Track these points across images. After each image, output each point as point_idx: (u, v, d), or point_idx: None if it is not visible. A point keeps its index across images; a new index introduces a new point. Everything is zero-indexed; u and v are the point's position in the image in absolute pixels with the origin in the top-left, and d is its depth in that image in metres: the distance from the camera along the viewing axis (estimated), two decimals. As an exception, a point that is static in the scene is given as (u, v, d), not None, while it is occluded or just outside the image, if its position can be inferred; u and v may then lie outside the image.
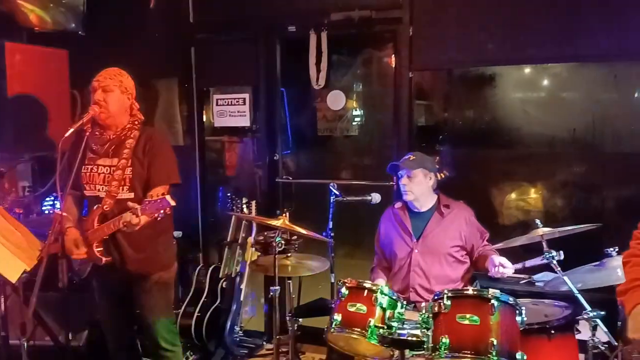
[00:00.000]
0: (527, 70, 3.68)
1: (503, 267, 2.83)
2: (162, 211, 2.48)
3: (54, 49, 3.69)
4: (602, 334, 2.52)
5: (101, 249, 2.78)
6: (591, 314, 2.45)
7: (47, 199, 4.01)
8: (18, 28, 3.68)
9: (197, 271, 4.16)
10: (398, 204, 3.28)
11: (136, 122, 2.88)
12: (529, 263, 2.78)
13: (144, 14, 4.46)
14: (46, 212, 3.97)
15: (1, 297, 2.87)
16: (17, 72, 3.40)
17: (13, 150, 3.53)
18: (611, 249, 2.66)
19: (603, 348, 2.49)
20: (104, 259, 2.77)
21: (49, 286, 3.32)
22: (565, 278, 2.49)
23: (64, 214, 2.68)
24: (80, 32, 3.93)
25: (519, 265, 2.81)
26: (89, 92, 2.83)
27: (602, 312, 2.46)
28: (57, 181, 2.67)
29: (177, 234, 3.96)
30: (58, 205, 2.67)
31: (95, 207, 2.79)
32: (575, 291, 2.47)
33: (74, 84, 3.81)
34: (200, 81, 4.50)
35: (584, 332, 2.65)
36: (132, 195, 2.78)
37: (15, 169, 4.05)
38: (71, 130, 2.68)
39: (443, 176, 3.29)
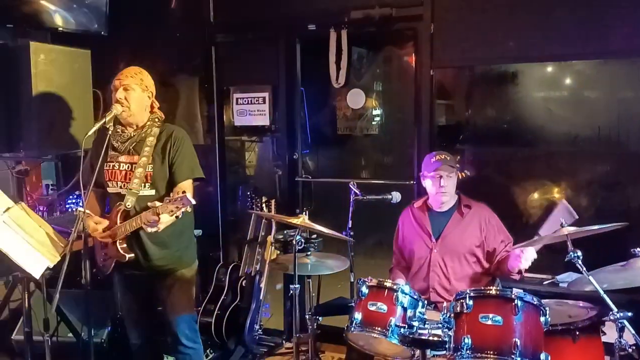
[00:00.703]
0: (551, 67, 3.62)
1: (523, 252, 2.78)
2: (182, 210, 2.49)
3: (78, 49, 3.73)
4: (630, 336, 2.46)
5: (125, 245, 2.80)
6: (618, 315, 2.39)
7: (70, 196, 4.07)
8: (43, 28, 3.74)
9: (217, 269, 4.18)
10: (417, 203, 3.25)
11: (156, 120, 2.91)
12: (543, 231, 2.73)
13: (165, 14, 4.51)
14: (69, 209, 4.02)
15: (25, 293, 2.92)
16: (42, 71, 3.45)
17: (37, 149, 3.58)
18: (638, 249, 2.59)
19: (630, 350, 2.43)
20: (127, 255, 2.79)
21: (72, 283, 3.39)
22: (591, 278, 2.44)
23: (87, 211, 2.71)
24: (103, 33, 3.97)
25: (536, 239, 2.74)
26: (111, 90, 2.86)
27: (630, 313, 2.40)
28: (80, 179, 2.71)
29: (198, 232, 3.97)
30: (81, 203, 2.70)
31: (117, 205, 2.82)
32: (601, 291, 2.42)
33: (97, 83, 3.85)
34: (220, 80, 4.52)
35: (609, 333, 2.59)
36: (153, 192, 2.81)
37: (40, 167, 4.12)
38: (94, 128, 2.72)
39: (464, 176, 3.25)
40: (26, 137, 3.48)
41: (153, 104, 2.93)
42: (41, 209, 3.82)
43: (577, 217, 2.75)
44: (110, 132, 2.80)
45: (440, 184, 3.05)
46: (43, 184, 4.07)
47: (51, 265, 2.75)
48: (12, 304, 3.70)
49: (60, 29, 3.77)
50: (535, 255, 2.83)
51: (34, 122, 3.46)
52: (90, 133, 2.70)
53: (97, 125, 2.73)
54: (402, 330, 2.39)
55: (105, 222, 2.80)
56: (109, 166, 2.87)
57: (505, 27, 3.51)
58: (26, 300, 2.91)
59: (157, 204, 2.53)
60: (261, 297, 4.05)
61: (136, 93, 2.82)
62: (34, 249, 2.71)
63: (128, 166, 2.83)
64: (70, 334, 3.43)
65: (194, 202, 2.50)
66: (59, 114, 3.54)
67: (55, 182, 4.16)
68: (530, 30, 3.45)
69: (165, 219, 2.60)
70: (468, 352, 2.19)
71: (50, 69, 3.50)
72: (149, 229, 2.63)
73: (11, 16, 3.59)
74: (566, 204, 2.82)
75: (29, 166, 3.86)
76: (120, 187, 2.84)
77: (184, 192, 2.51)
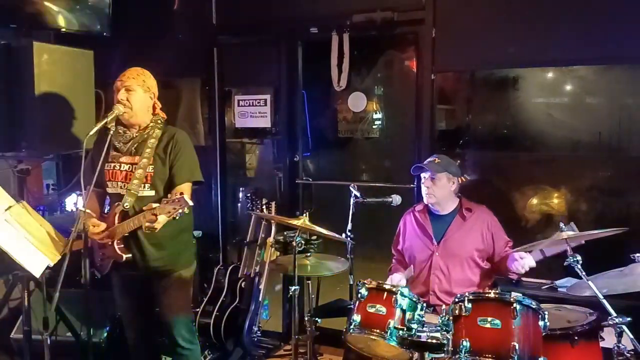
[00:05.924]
0: (552, 72, 3.63)
1: (522, 258, 2.82)
2: (180, 211, 2.50)
3: (80, 49, 3.75)
4: (628, 341, 2.46)
5: (122, 246, 2.81)
6: (617, 320, 2.39)
7: (71, 196, 4.08)
8: (46, 29, 3.75)
9: (216, 270, 4.18)
10: (419, 207, 3.25)
11: (158, 121, 2.92)
12: (548, 252, 2.74)
13: (167, 16, 4.52)
14: (69, 209, 4.03)
15: (25, 292, 2.92)
16: (44, 71, 3.46)
17: (39, 148, 3.58)
18: (637, 255, 2.59)
19: (629, 355, 2.42)
20: (124, 256, 2.80)
21: (72, 282, 3.39)
22: (590, 283, 2.44)
23: (87, 210, 2.71)
24: (105, 34, 3.99)
25: (538, 254, 2.77)
26: (113, 91, 2.87)
27: (628, 319, 2.40)
28: (81, 179, 2.72)
29: (197, 233, 3.99)
30: (81, 203, 2.71)
31: (116, 205, 2.82)
32: (600, 296, 2.42)
33: (99, 83, 3.87)
34: (222, 82, 4.53)
35: (608, 339, 2.58)
36: (153, 193, 2.81)
37: (41, 166, 4.12)
38: (95, 128, 2.73)
39: (464, 180, 3.26)
40: (28, 137, 3.48)
41: (155, 105, 2.94)
42: (42, 208, 3.83)
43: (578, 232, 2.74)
44: (112, 132, 2.81)
45: (423, 184, 3.11)
46: (44, 184, 4.08)
47: (51, 265, 2.76)
48: (12, 303, 3.69)
49: (63, 29, 3.78)
50: (533, 264, 2.86)
51: (36, 121, 3.46)
52: (91, 133, 2.70)
53: (99, 126, 2.74)
54: (400, 332, 2.40)
55: (103, 225, 2.79)
56: (110, 166, 2.87)
57: (507, 32, 3.52)
58: (26, 299, 2.91)
59: (155, 205, 2.54)
60: (260, 299, 4.05)
61: (138, 94, 2.83)
62: (34, 247, 2.72)
63: (129, 167, 2.84)
64: (69, 334, 3.42)
65: (191, 203, 2.51)
66: (61, 114, 3.54)
67: (56, 182, 4.16)
68: (531, 35, 3.46)
69: (163, 220, 2.60)
70: (466, 355, 2.19)
71: (53, 69, 3.51)
72: (146, 229, 2.63)
73: (15, 16, 3.60)
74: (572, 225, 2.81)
75: (30, 165, 3.87)
76: (120, 188, 2.84)
77: (181, 193, 2.52)
